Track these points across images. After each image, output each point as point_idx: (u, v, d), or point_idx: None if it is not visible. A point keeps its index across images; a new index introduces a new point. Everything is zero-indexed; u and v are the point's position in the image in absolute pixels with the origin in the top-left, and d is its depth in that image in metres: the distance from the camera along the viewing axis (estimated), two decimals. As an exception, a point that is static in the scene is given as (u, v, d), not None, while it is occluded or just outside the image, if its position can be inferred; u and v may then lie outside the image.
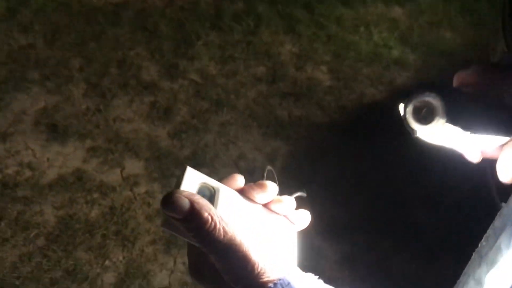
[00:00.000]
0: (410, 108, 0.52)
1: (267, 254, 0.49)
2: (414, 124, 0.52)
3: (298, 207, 0.64)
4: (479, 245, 0.70)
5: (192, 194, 0.49)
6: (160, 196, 2.23)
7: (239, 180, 0.58)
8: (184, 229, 0.48)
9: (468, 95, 0.53)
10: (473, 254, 0.73)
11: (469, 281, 0.69)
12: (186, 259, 2.05)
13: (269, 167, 0.67)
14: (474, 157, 0.58)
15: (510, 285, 0.52)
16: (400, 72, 2.81)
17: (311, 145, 2.47)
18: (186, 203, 0.47)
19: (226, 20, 3.17)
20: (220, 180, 0.58)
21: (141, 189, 2.25)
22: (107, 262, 2.00)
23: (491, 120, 0.52)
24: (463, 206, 2.20)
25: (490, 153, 0.60)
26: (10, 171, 2.26)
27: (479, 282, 0.64)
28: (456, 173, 2.16)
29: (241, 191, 0.58)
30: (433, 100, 0.50)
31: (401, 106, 0.55)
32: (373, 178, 2.34)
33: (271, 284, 0.47)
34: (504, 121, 0.52)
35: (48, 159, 2.32)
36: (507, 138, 0.53)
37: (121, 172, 2.31)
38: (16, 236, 2.04)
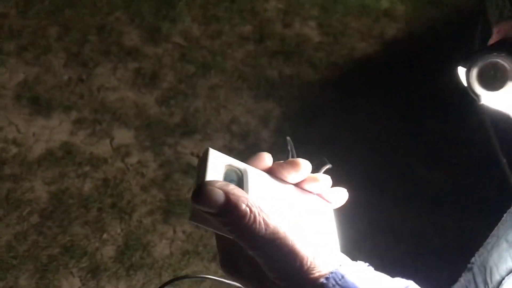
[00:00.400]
0: (475, 71, 0.45)
1: (315, 245, 0.44)
2: (479, 90, 0.45)
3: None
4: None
5: (226, 184, 0.43)
6: (153, 165, 2.18)
7: (267, 159, 0.51)
8: (218, 223, 0.42)
9: None
10: (505, 215, 0.69)
11: (500, 243, 0.66)
12: (185, 228, 2.02)
13: (288, 138, 0.61)
14: None
15: None
16: (390, 24, 2.74)
17: (305, 105, 2.42)
18: (220, 196, 0.41)
19: (207, -22, 3.03)
20: (244, 161, 0.52)
21: (133, 159, 2.19)
22: (105, 236, 1.96)
23: None
24: (462, 160, 2.19)
25: None
26: (-6, 148, 2.18)
27: None
28: (454, 127, 2.15)
29: (270, 171, 0.52)
30: (504, 61, 0.43)
31: (461, 69, 0.48)
32: (369, 134, 2.31)
33: (323, 279, 0.41)
34: None
35: (33, 133, 2.23)
36: None
37: (111, 143, 2.24)
38: (9, 215, 1.98)
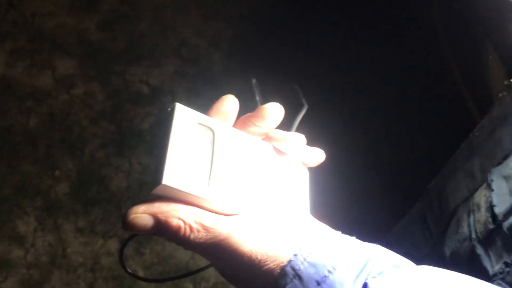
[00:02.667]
0: None
1: (267, 234, 0.42)
2: None
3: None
4: (470, 135, 0.66)
5: (151, 205, 0.41)
6: (100, 96, 2.07)
7: (231, 103, 0.47)
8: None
9: None
10: (462, 144, 0.69)
11: (457, 172, 0.66)
12: (141, 159, 1.97)
13: (254, 80, 0.56)
14: None
15: None
16: None
17: (256, 23, 2.32)
18: (147, 220, 0.40)
19: None
20: (209, 109, 0.47)
21: (79, 90, 2.08)
22: (57, 172, 1.90)
23: None
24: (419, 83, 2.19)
25: None
26: None
27: (471, 175, 0.62)
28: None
29: (239, 125, 0.47)
30: None
31: None
32: (335, 47, 2.24)
33: (278, 270, 0.40)
34: None
35: (-35, 68, 2.06)
36: None
37: (53, 73, 2.11)
38: (-51, 159, 1.87)
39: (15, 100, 2.03)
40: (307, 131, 0.51)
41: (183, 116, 0.43)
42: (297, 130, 0.53)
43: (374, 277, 0.38)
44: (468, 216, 0.56)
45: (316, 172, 0.53)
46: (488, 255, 0.51)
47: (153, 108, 2.04)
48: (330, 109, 2.01)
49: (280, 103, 0.47)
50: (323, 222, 0.46)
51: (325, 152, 0.50)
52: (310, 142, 0.50)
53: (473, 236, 0.54)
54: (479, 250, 0.53)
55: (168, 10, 2.33)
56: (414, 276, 0.39)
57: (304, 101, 0.57)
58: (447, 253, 0.60)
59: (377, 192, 1.84)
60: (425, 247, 0.69)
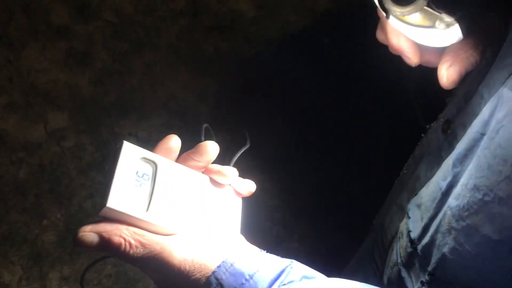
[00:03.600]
0: None
1: (200, 245, 0.49)
2: (390, 4, 0.45)
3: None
4: (401, 173, 0.73)
5: (97, 225, 0.48)
6: (90, 148, 2.14)
7: (174, 141, 0.57)
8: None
9: None
10: (396, 181, 0.77)
11: (392, 207, 0.73)
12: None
13: (205, 125, 0.65)
14: (414, 58, 0.55)
15: (429, 215, 0.55)
16: (322, -4, 2.78)
17: (241, 79, 2.44)
18: (93, 237, 0.48)
19: (136, -49, 2.94)
20: (155, 146, 0.56)
21: (69, 142, 2.15)
22: (45, 222, 1.93)
23: (468, 16, 0.49)
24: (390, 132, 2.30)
25: (427, 59, 0.59)
26: None
27: (401, 208, 0.68)
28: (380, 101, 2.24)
29: (181, 160, 0.56)
30: None
31: None
32: (308, 107, 2.36)
33: (204, 279, 0.46)
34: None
35: (-40, 121, 2.13)
36: (457, 37, 0.51)
37: (45, 127, 2.18)
38: None
39: (7, 151, 2.09)
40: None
41: (129, 152, 0.51)
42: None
43: (285, 284, 0.45)
44: (396, 244, 0.62)
45: (272, 208, 0.61)
46: (410, 277, 0.57)
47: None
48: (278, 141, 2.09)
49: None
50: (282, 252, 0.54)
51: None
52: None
53: (399, 261, 0.61)
54: (404, 273, 0.59)
55: (158, 66, 2.45)
56: (322, 285, 0.46)
57: (248, 141, 0.66)
58: (385, 280, 0.66)
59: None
60: (374, 281, 0.75)
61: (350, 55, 2.39)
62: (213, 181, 0.57)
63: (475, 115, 0.49)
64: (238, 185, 0.59)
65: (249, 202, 0.62)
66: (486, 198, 0.43)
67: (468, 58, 0.51)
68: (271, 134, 2.26)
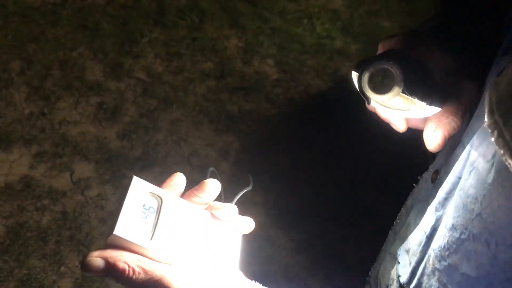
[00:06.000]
0: (366, 76, 0.49)
1: (197, 274, 0.53)
2: (369, 93, 0.50)
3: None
4: (394, 222, 0.75)
5: (104, 251, 0.53)
6: (112, 198, 2.20)
7: (179, 178, 0.61)
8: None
9: (422, 64, 0.53)
10: (390, 231, 0.78)
11: (385, 256, 0.75)
12: (144, 260, 2.04)
13: (211, 168, 0.69)
14: (401, 126, 0.59)
15: (416, 259, 0.56)
16: (343, 62, 2.89)
17: (262, 138, 2.51)
18: (100, 262, 0.51)
19: (170, 16, 3.14)
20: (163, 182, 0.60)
21: (93, 192, 2.22)
22: (62, 268, 1.97)
23: (442, 94, 0.53)
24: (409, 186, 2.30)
25: (415, 124, 0.63)
26: (-49, 182, 2.17)
27: (394, 256, 0.70)
28: (399, 155, 2.27)
29: (186, 196, 0.61)
30: (392, 68, 0.48)
31: (354, 74, 0.54)
32: (323, 166, 2.40)
33: None
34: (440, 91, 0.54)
35: (-8, 167, 2.24)
36: (435, 111, 0.55)
37: (71, 176, 2.27)
38: (-37, 250, 1.96)
39: (33, 198, 2.16)
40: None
41: (138, 186, 0.56)
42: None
43: None
44: None
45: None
46: None
47: (160, 211, 2.15)
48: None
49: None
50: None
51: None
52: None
53: None
54: None
55: (183, 123, 2.54)
56: None
57: (251, 184, 0.71)
58: None
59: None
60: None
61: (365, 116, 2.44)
62: (214, 217, 0.61)
63: (457, 162, 0.52)
64: (238, 223, 0.62)
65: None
66: (462, 237, 0.45)
67: (450, 123, 0.55)
68: (290, 193, 2.29)
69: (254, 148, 2.46)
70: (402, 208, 0.71)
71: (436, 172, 0.59)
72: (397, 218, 0.72)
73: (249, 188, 0.70)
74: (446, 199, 0.51)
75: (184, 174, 2.15)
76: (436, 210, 0.53)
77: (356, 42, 3.01)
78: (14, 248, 2.00)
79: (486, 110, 0.40)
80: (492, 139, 0.38)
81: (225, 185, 2.15)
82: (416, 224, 0.60)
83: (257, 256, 2.10)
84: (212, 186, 0.61)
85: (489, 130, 0.38)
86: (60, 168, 2.28)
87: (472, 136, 0.50)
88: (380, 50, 0.60)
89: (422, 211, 0.60)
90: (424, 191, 0.62)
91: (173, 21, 3.12)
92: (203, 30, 3.06)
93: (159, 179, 1.93)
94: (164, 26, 3.07)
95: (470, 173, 0.47)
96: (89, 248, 2.02)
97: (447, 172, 0.55)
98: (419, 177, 0.68)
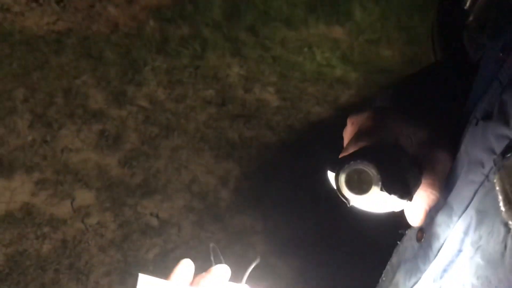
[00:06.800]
0: (343, 177, 0.48)
1: None
2: (348, 194, 0.49)
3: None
4: (380, 280, 0.74)
5: None
6: (112, 226, 2.20)
7: (186, 266, 0.62)
8: None
9: (397, 157, 0.54)
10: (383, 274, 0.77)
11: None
12: (143, 288, 2.03)
13: (212, 245, 0.69)
14: (417, 220, 0.57)
15: None
16: (343, 90, 2.91)
17: (263, 165, 2.51)
18: None
19: (173, 45, 3.18)
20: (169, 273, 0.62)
21: (93, 220, 2.22)
22: (61, 298, 1.96)
23: (418, 181, 0.54)
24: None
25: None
26: (-48, 209, 2.18)
27: None
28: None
29: (195, 283, 0.62)
30: (367, 168, 0.47)
31: (331, 175, 0.51)
32: (324, 193, 2.39)
33: None
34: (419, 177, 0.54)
35: (-7, 195, 2.25)
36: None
37: (72, 203, 2.27)
38: (-38, 278, 1.96)
39: (33, 226, 2.16)
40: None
41: (145, 284, 0.58)
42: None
43: None
44: None
45: None
46: None
47: (159, 240, 2.14)
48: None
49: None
50: None
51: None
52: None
53: None
54: None
55: (184, 150, 2.55)
56: None
57: (258, 257, 0.71)
58: None
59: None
60: None
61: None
62: None
63: (448, 226, 0.52)
64: None
65: None
66: None
67: (429, 196, 0.54)
68: (290, 221, 2.28)
69: (255, 175, 2.47)
70: (388, 265, 0.70)
71: (421, 230, 0.59)
72: (382, 275, 0.71)
73: (257, 261, 0.70)
74: (445, 271, 0.51)
75: (184, 202, 2.14)
76: (434, 281, 0.52)
77: (356, 70, 3.04)
78: (13, 276, 1.99)
79: (501, 198, 0.39)
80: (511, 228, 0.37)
81: (224, 212, 2.15)
82: (406, 286, 0.59)
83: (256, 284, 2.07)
84: (221, 271, 0.62)
85: (510, 222, 0.38)
86: (61, 196, 2.29)
87: (461, 200, 0.50)
88: (348, 126, 0.60)
89: (411, 272, 0.59)
90: (411, 250, 0.61)
91: (176, 49, 3.16)
92: (205, 59, 3.10)
93: (159, 207, 1.93)
94: (167, 54, 3.12)
95: (476, 251, 0.46)
96: (88, 277, 2.01)
97: (435, 235, 0.54)
98: (400, 231, 0.67)
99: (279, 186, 2.41)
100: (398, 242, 0.68)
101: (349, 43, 3.21)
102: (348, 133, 0.59)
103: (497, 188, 0.41)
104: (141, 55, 3.09)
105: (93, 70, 2.93)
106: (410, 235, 0.63)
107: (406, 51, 3.18)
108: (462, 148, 0.52)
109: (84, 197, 2.29)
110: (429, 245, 0.55)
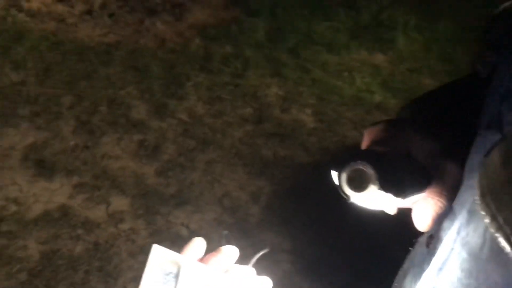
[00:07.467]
0: (344, 176, 0.55)
1: None
2: (348, 191, 0.56)
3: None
4: (392, 286, 0.75)
5: None
6: (143, 233, 2.25)
7: (198, 243, 0.65)
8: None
9: (395, 161, 0.58)
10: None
11: None
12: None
13: (225, 232, 0.73)
14: (392, 210, 0.63)
15: None
16: (382, 116, 2.91)
17: (295, 185, 2.52)
18: None
19: (215, 63, 3.27)
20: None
21: (126, 225, 2.27)
22: (88, 299, 2.00)
23: (417, 185, 0.58)
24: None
25: (403, 205, 0.66)
26: (-5, 205, 2.28)
27: None
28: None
29: (204, 261, 0.65)
30: (366, 168, 0.54)
31: (334, 173, 0.59)
32: (354, 218, 2.38)
33: None
34: (423, 183, 0.58)
35: (34, 194, 2.34)
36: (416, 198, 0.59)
37: (107, 208, 2.34)
38: (-1, 271, 2.04)
39: (69, 227, 2.24)
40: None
41: (158, 254, 0.61)
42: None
43: None
44: None
45: None
46: None
47: (188, 250, 2.18)
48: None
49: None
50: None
51: None
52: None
53: None
54: None
55: (219, 165, 2.60)
56: None
57: (268, 248, 0.75)
58: None
59: None
60: None
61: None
62: (232, 281, 0.64)
63: (450, 230, 0.54)
64: (254, 284, 0.65)
65: None
66: None
67: (436, 203, 0.57)
68: (318, 243, 2.27)
69: (286, 194, 2.48)
70: (400, 271, 0.72)
71: (431, 237, 0.61)
72: (395, 281, 0.73)
73: (266, 250, 0.73)
74: (440, 269, 0.53)
75: (215, 215, 2.19)
76: (431, 280, 0.54)
77: (396, 97, 3.03)
78: (45, 273, 2.06)
79: (478, 193, 0.42)
80: (486, 220, 0.39)
81: (253, 228, 2.17)
82: None
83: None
84: (230, 251, 0.65)
85: (482, 213, 0.40)
86: (98, 200, 2.36)
87: (462, 205, 0.52)
88: (365, 138, 0.65)
89: (417, 276, 0.61)
90: (420, 256, 0.63)
91: (218, 67, 3.25)
92: (246, 78, 3.16)
93: (190, 218, 1.98)
94: (209, 71, 3.20)
95: (462, 247, 0.48)
96: (116, 280, 2.06)
97: (439, 240, 0.57)
98: (414, 240, 0.69)
99: (309, 207, 2.41)
100: (410, 249, 0.70)
101: (390, 70, 3.22)
102: (363, 144, 0.63)
103: (476, 181, 0.42)
104: (185, 70, 3.18)
105: (138, 82, 3.04)
106: (421, 241, 0.65)
107: (447, 81, 3.15)
108: (469, 157, 0.55)
109: (119, 203, 2.36)
110: (434, 250, 0.57)
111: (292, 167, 2.60)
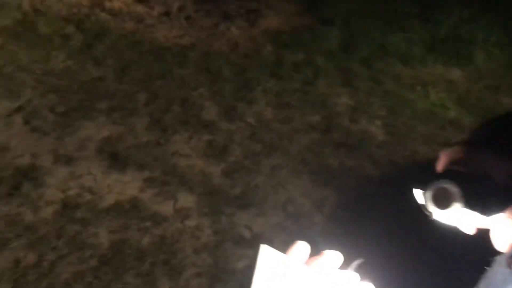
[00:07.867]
0: (429, 194, 0.56)
1: None
2: (432, 208, 0.56)
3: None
4: None
5: None
6: (208, 231, 2.30)
7: (302, 246, 0.66)
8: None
9: (476, 181, 0.57)
10: None
11: None
12: (228, 296, 2.09)
13: (359, 260, 0.73)
14: (471, 230, 0.62)
15: None
16: (455, 133, 2.82)
17: (360, 197, 2.49)
18: None
19: (286, 69, 3.29)
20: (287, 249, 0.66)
21: (192, 222, 2.33)
22: (152, 290, 2.07)
23: (500, 204, 0.57)
24: None
25: (483, 225, 0.64)
26: (72, 192, 2.41)
27: None
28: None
29: (309, 263, 0.65)
30: (450, 187, 0.54)
31: (416, 192, 0.60)
32: (419, 235, 2.32)
33: None
34: (506, 203, 0.57)
35: (108, 185, 2.45)
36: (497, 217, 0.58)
37: (174, 204, 2.41)
38: (71, 255, 2.15)
39: (137, 219, 2.33)
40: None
41: (266, 254, 0.63)
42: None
43: None
44: None
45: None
46: None
47: (249, 252, 2.20)
48: None
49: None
50: None
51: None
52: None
53: None
54: None
55: (283, 170, 2.61)
56: None
57: (363, 259, 0.74)
58: None
59: None
60: None
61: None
62: (337, 285, 0.65)
63: None
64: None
65: None
66: None
67: None
68: (378, 257, 2.23)
69: (350, 205, 2.45)
70: None
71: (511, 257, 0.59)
72: None
73: (360, 260, 0.73)
74: None
75: (278, 220, 2.21)
76: None
77: (471, 114, 2.93)
78: (114, 262, 2.15)
79: None
80: None
81: (316, 236, 2.16)
82: None
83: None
84: (334, 257, 0.65)
85: None
86: (166, 196, 2.44)
87: None
88: (442, 159, 0.64)
89: None
90: (501, 275, 0.62)
91: (288, 73, 3.27)
92: (316, 85, 3.16)
93: (253, 220, 2.00)
94: (279, 77, 3.23)
95: None
96: (180, 275, 2.12)
97: None
98: (490, 259, 0.68)
99: (373, 220, 2.37)
100: (486, 268, 0.69)
101: (466, 86, 3.12)
102: (440, 165, 0.63)
103: None
104: (256, 75, 3.23)
105: (210, 84, 3.12)
106: (499, 261, 0.64)
107: (529, 101, 3.01)
108: None
109: (186, 200, 2.42)
110: None
111: (358, 179, 2.57)
